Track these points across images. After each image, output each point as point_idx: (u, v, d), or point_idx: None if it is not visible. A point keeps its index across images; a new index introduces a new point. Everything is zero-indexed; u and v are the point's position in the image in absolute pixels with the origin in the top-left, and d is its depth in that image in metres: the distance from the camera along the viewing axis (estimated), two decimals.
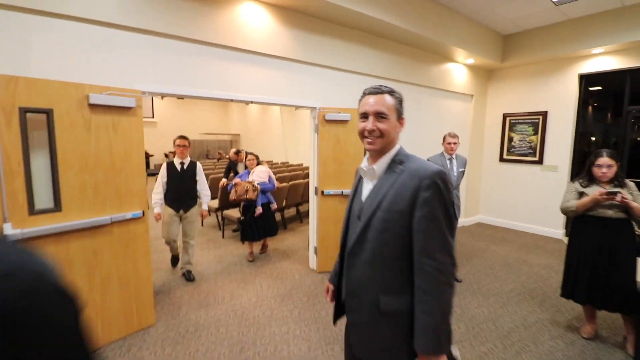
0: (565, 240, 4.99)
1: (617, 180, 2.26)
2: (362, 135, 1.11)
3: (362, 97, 1.13)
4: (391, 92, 1.10)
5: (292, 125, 10.35)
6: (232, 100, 2.94)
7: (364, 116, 1.09)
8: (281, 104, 3.33)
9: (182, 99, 13.81)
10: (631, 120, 4.46)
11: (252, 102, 3.08)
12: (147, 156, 12.59)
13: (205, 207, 3.60)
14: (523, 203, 5.52)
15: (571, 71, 4.88)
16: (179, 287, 3.29)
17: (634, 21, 3.99)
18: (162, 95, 2.68)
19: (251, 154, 4.17)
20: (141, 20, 2.46)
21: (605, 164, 2.22)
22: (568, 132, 4.98)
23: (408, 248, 1.03)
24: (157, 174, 3.38)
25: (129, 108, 2.33)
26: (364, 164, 1.17)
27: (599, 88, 4.86)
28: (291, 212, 6.33)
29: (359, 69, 3.90)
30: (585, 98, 4.93)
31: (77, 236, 2.19)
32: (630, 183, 2.27)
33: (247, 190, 3.72)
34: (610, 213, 2.21)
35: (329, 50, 3.61)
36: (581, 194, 2.32)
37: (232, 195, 3.77)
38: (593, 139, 5.11)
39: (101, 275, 2.31)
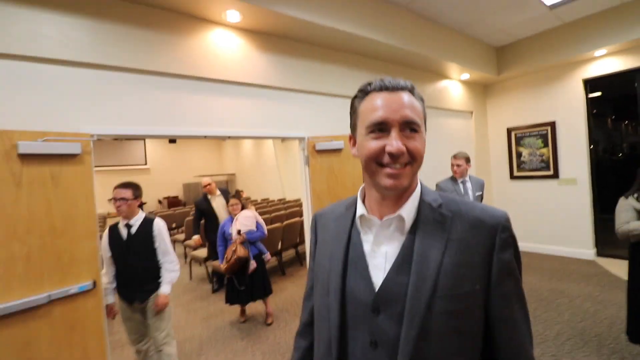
0: (600, 261, 4.42)
1: None
2: (374, 161, 0.63)
3: (365, 95, 0.67)
4: (413, 90, 0.67)
5: (287, 159, 10.03)
6: (205, 136, 2.55)
7: (380, 128, 0.62)
8: (264, 136, 2.95)
9: (175, 141, 13.68)
10: None
11: (229, 137, 2.69)
12: (141, 204, 12.17)
13: (166, 289, 2.20)
14: (543, 222, 4.99)
15: (575, 77, 4.58)
16: None
17: (635, 18, 3.73)
18: (118, 138, 2.29)
19: (233, 196, 3.49)
20: (88, 53, 2.11)
21: None
22: (581, 142, 4.58)
23: (479, 349, 0.64)
24: None
25: (73, 155, 1.92)
26: (363, 209, 0.69)
27: (608, 92, 4.53)
28: (290, 253, 5.77)
29: (349, 92, 3.57)
30: (593, 103, 4.59)
31: (2, 324, 1.68)
32: None
33: (234, 251, 3.09)
34: None
35: (314, 75, 3.29)
36: None
37: (223, 266, 3.13)
38: (605, 146, 4.71)
39: None
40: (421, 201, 0.67)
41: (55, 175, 1.86)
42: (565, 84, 4.68)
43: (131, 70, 2.29)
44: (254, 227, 3.32)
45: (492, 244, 0.62)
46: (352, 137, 0.71)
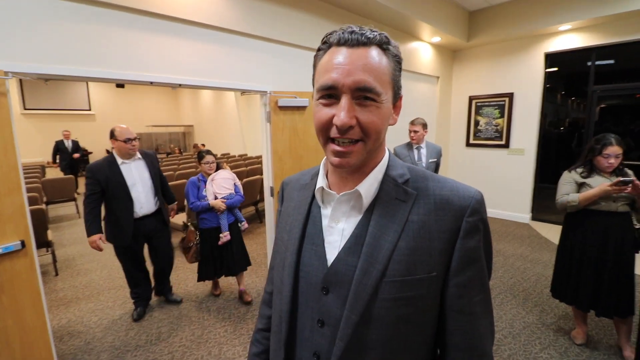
0: (534, 224, 4.91)
1: (617, 169, 1.96)
2: (323, 133, 0.56)
3: (326, 49, 0.57)
4: (384, 44, 0.55)
5: (250, 113, 9.56)
6: (151, 83, 2.26)
7: (329, 94, 0.54)
8: (222, 87, 2.69)
9: (123, 86, 12.36)
10: (596, 100, 4.36)
11: (180, 85, 2.41)
12: (86, 154, 11.15)
13: None
14: (490, 188, 5.36)
15: (537, 50, 4.68)
16: (114, 325, 2.60)
17: None
18: (46, 78, 1.94)
19: (209, 153, 2.79)
20: None
21: (614, 154, 1.89)
22: (534, 115, 4.82)
23: (431, 339, 0.60)
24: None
25: None
26: (323, 181, 0.64)
27: (563, 67, 4.72)
28: (249, 210, 5.71)
29: (316, 44, 3.33)
30: (550, 78, 4.78)
31: None
32: (629, 171, 1.98)
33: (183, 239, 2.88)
34: (615, 206, 1.91)
35: (281, 22, 2.99)
36: (581, 186, 2.00)
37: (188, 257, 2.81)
38: (551, 119, 5.02)
39: None
40: (385, 176, 0.60)
41: None
42: (528, 57, 4.77)
43: None
44: (233, 190, 2.85)
45: (456, 228, 0.55)
46: None
